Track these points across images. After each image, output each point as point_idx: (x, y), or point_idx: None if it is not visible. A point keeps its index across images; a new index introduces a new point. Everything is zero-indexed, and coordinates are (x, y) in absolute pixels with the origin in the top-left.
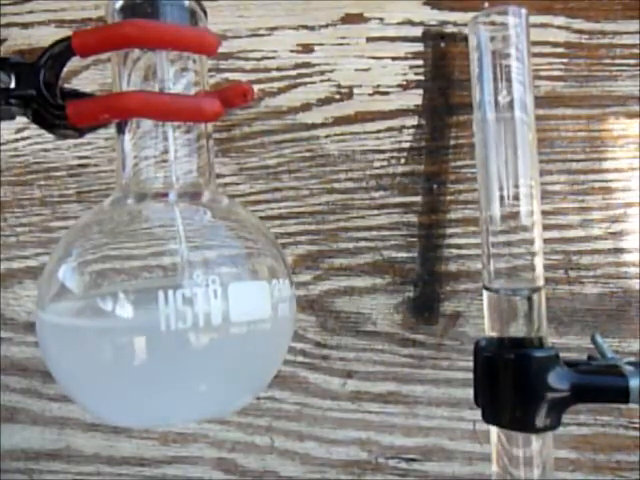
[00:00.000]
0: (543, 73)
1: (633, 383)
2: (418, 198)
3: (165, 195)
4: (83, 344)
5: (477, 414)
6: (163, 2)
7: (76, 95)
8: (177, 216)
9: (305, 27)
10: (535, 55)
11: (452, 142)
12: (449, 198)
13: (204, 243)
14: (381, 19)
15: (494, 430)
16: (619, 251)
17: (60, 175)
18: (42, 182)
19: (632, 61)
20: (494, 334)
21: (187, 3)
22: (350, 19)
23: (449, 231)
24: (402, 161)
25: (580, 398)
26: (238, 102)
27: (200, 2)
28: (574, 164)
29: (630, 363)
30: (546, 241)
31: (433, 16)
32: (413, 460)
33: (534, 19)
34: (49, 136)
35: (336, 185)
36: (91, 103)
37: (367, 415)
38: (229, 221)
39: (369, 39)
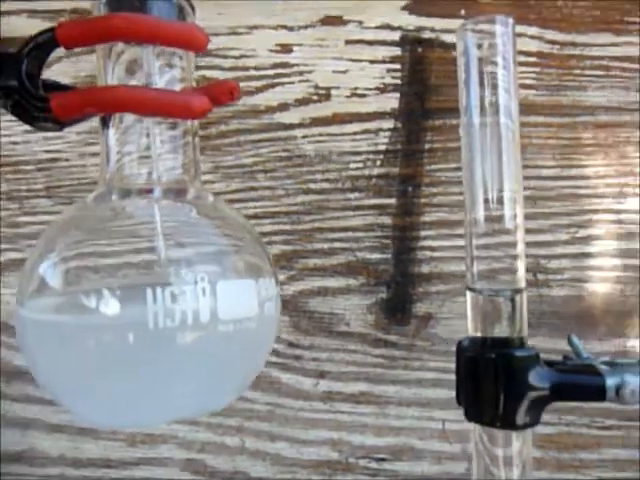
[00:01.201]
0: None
1: (609, 382)
2: (393, 200)
3: (149, 192)
4: (66, 341)
5: (446, 414)
6: None
7: (58, 87)
8: (158, 213)
9: (284, 27)
10: None
11: (427, 146)
12: (423, 201)
13: (190, 241)
14: (360, 22)
15: (475, 429)
16: (585, 255)
17: (29, 169)
18: (10, 176)
19: (600, 72)
20: (476, 334)
21: None
22: (329, 21)
23: (423, 233)
24: (378, 163)
25: (559, 396)
26: (224, 100)
27: None
28: (544, 170)
29: (605, 363)
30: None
31: (411, 21)
32: (383, 460)
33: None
34: (18, 129)
35: (312, 186)
36: (77, 96)
37: (339, 415)
38: (215, 219)
39: (348, 42)
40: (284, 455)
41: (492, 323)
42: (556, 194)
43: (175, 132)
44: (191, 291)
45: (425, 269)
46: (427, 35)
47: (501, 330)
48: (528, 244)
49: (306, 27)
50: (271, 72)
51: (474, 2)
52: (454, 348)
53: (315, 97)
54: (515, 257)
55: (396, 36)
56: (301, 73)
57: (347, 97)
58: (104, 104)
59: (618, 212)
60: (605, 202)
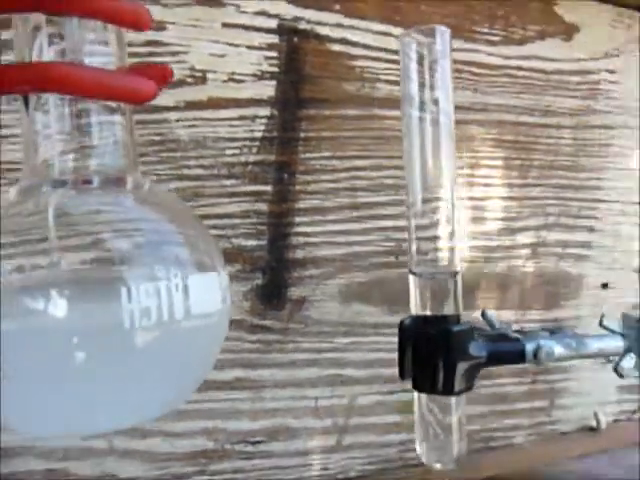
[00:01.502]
0: (382, 77)
1: (528, 347)
2: (268, 187)
3: (87, 182)
4: (9, 347)
5: (318, 391)
6: None
7: None
8: (107, 205)
9: (157, 3)
10: (377, 60)
11: (302, 134)
12: (298, 188)
13: (147, 234)
14: (237, 6)
15: (420, 397)
16: (437, 238)
17: None
18: None
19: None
20: (418, 313)
21: None
22: (206, 2)
23: (297, 220)
24: (254, 150)
25: (490, 363)
26: (158, 84)
27: None
28: (400, 161)
29: (517, 331)
30: (381, 230)
31: (289, 11)
32: (259, 442)
33: (377, 27)
34: None
35: (186, 171)
36: (8, 71)
37: (214, 404)
38: (166, 209)
39: (225, 24)
40: (156, 450)
41: (432, 303)
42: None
43: (111, 114)
44: (165, 287)
45: (299, 254)
46: (303, 26)
47: (440, 308)
48: (391, 229)
49: (181, 5)
50: (143, 50)
51: None
52: (326, 329)
53: (190, 80)
54: (452, 242)
55: (273, 24)
56: (175, 54)
57: (224, 82)
58: (42, 83)
59: (465, 199)
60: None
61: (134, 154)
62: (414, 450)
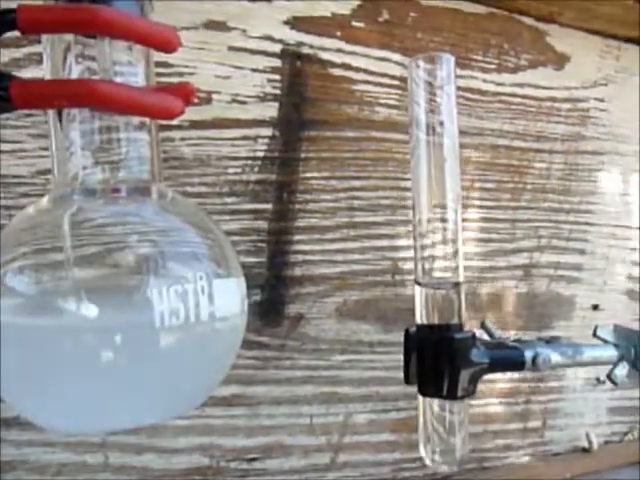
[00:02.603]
0: (381, 101)
1: (527, 355)
2: (269, 205)
3: (116, 191)
4: (39, 344)
5: (314, 409)
6: None
7: (10, 76)
8: (135, 213)
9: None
10: (376, 84)
11: (303, 155)
12: (297, 207)
13: (173, 240)
14: (244, 31)
15: (425, 401)
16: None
17: None
18: None
19: None
20: (423, 322)
21: None
22: (213, 26)
23: (296, 238)
24: (255, 169)
25: (492, 369)
26: (184, 102)
27: None
28: (402, 182)
29: (515, 341)
30: (377, 249)
31: (292, 36)
32: (254, 459)
33: (377, 53)
34: None
35: (189, 189)
36: (47, 86)
37: (210, 420)
38: (189, 217)
39: (230, 48)
40: (151, 467)
41: (435, 311)
42: (410, 203)
43: (139, 129)
44: (192, 290)
45: (298, 272)
46: (306, 51)
47: (444, 317)
48: (387, 248)
49: (189, 28)
50: None
51: (349, 26)
52: (322, 346)
53: (195, 100)
54: (455, 255)
55: (277, 48)
56: (182, 74)
57: (228, 103)
58: (81, 98)
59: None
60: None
61: (158, 166)
62: (407, 469)
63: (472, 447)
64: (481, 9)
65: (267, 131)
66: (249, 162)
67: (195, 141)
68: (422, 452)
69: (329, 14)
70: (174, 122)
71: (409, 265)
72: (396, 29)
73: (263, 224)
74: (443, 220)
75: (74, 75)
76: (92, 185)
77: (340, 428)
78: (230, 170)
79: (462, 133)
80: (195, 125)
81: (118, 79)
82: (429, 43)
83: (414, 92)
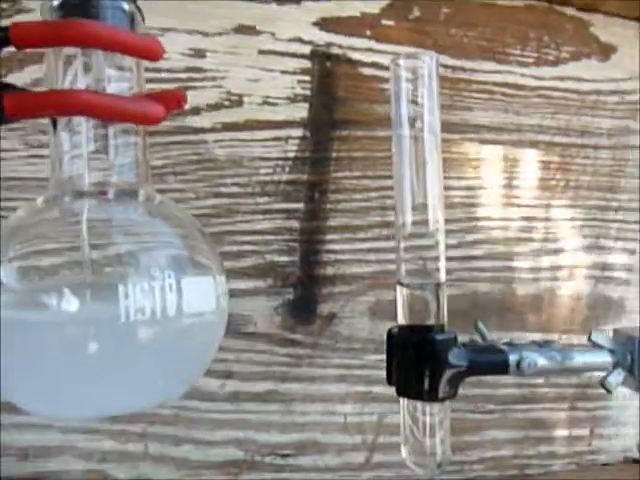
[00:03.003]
0: (421, 100)
1: (511, 358)
2: (300, 205)
3: (103, 193)
4: (26, 337)
5: (348, 408)
6: (105, 4)
7: (2, 86)
8: (119, 214)
9: (198, 32)
10: None
11: (334, 154)
12: (329, 206)
13: (151, 240)
14: (273, 34)
15: (405, 402)
16: (471, 258)
17: None
18: None
19: (485, 95)
20: (404, 322)
21: (128, 7)
22: (243, 30)
23: (328, 237)
24: (287, 169)
25: (473, 372)
26: (173, 107)
27: (139, 7)
28: None
29: (505, 343)
30: (408, 249)
31: (321, 37)
32: (288, 455)
33: (408, 50)
34: None
35: (222, 189)
36: (35, 98)
37: (245, 415)
38: (169, 219)
39: (260, 51)
40: (189, 458)
41: (418, 312)
42: (446, 202)
43: (128, 134)
44: (159, 287)
45: (329, 271)
46: (335, 51)
47: (425, 318)
48: (417, 248)
49: (220, 34)
50: (184, 75)
51: (379, 25)
52: (355, 345)
53: (227, 103)
54: (437, 255)
55: (306, 50)
56: (214, 79)
57: (259, 105)
58: (64, 107)
59: (499, 219)
60: (487, 210)
61: (146, 170)
62: (444, 472)
63: (513, 453)
64: (518, 2)
65: (298, 132)
66: (280, 162)
67: (228, 143)
68: (403, 454)
69: (358, 14)
70: (208, 125)
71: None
72: (428, 26)
73: (295, 224)
74: (425, 221)
75: (76, 84)
76: (82, 187)
77: (374, 428)
78: (262, 171)
79: (499, 130)
80: (227, 127)
81: (111, 86)
82: (463, 39)
83: (396, 91)
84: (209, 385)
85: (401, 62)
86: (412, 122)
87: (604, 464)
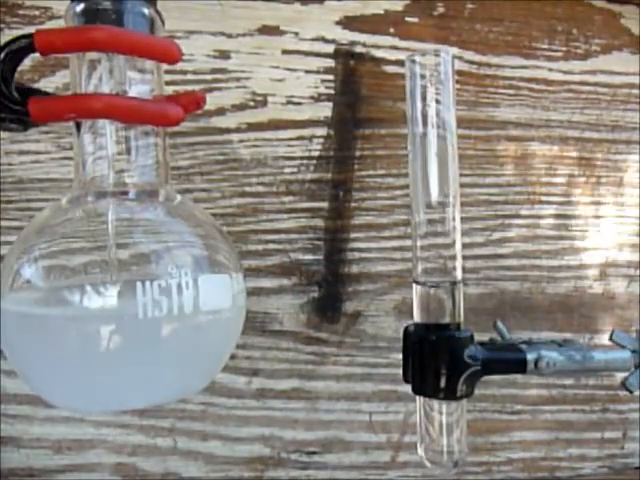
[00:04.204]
0: (437, 97)
1: (529, 357)
2: (325, 204)
3: (125, 193)
4: (51, 332)
5: (373, 406)
6: (126, 9)
7: (30, 91)
8: (140, 214)
9: (222, 34)
10: None
11: (358, 153)
12: (353, 205)
13: (170, 239)
14: (296, 33)
15: (421, 400)
16: (498, 257)
17: None
18: None
19: (511, 91)
20: (420, 320)
21: (148, 11)
22: (267, 30)
23: (352, 236)
24: (311, 168)
25: (490, 371)
26: (192, 109)
27: (159, 11)
28: (462, 178)
29: (524, 342)
30: (425, 247)
31: (344, 36)
32: (314, 453)
33: (431, 47)
34: None
35: (247, 189)
36: (57, 102)
37: (271, 412)
38: (188, 219)
39: (284, 51)
40: (216, 453)
41: (434, 310)
42: (472, 200)
43: (148, 136)
44: (176, 285)
45: (354, 269)
46: (359, 49)
47: (441, 316)
48: (434, 246)
49: (244, 35)
50: (209, 77)
51: (402, 22)
52: (381, 344)
53: (252, 103)
54: (454, 254)
55: (330, 49)
56: (238, 79)
57: (283, 104)
58: (85, 111)
59: (527, 217)
60: (515, 208)
61: (166, 171)
62: (472, 473)
63: (543, 454)
64: None
65: (322, 131)
66: (305, 161)
67: (252, 142)
68: (419, 452)
69: (381, 11)
70: (233, 125)
71: (470, 264)
72: (452, 22)
73: (320, 222)
74: (441, 219)
75: (105, 88)
76: (105, 188)
77: (400, 427)
78: (286, 170)
79: (526, 126)
80: (252, 127)
81: (133, 89)
82: (488, 34)
83: (412, 88)
84: (236, 382)
85: (417, 59)
86: (427, 119)
87: (637, 467)
